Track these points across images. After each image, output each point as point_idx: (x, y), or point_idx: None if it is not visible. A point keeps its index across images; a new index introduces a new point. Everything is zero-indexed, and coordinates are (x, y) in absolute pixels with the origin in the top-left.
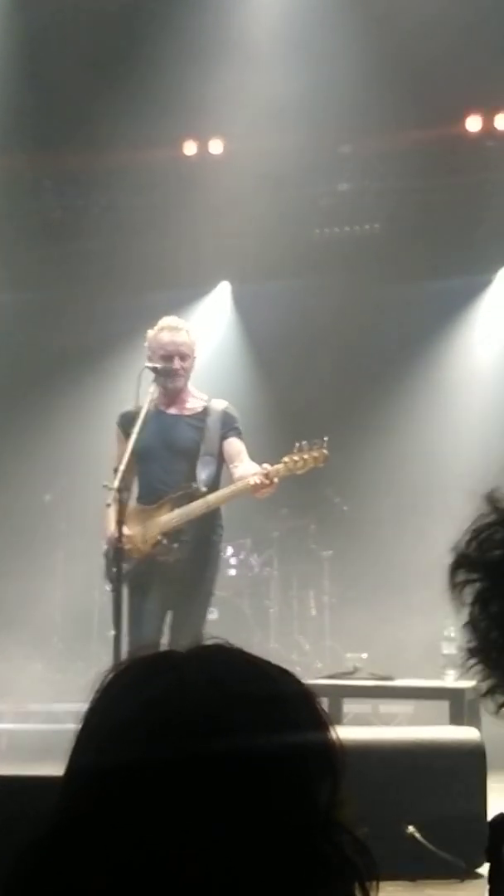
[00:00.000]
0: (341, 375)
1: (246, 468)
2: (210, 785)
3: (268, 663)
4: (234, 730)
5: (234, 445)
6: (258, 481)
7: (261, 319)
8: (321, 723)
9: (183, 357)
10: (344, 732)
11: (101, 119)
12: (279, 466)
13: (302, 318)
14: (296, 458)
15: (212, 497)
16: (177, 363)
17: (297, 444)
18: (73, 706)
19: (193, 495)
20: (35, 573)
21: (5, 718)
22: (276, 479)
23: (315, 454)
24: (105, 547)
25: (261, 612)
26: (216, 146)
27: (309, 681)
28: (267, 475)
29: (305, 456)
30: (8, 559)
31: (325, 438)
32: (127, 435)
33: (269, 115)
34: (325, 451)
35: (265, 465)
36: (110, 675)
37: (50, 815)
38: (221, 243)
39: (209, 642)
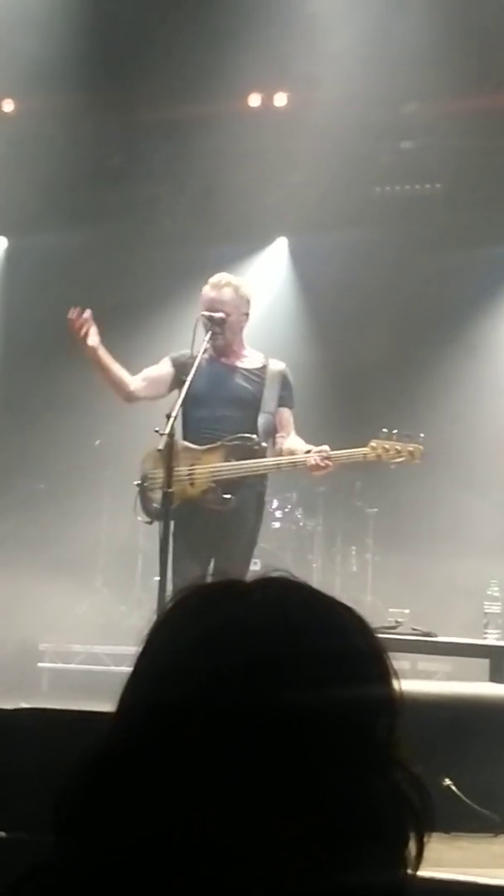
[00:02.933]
0: (397, 334)
1: (293, 442)
2: (267, 716)
3: (332, 598)
4: (297, 660)
5: (286, 415)
6: (317, 462)
7: (317, 276)
8: (382, 660)
9: (226, 314)
10: None
11: (168, 68)
12: (341, 453)
13: (359, 276)
14: (386, 446)
15: (283, 461)
16: (220, 316)
17: (385, 430)
18: (114, 648)
19: (251, 448)
20: (82, 517)
21: (48, 657)
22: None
23: (411, 448)
24: (139, 480)
25: (304, 566)
26: (281, 99)
27: None
28: (329, 458)
29: (399, 447)
30: (56, 502)
31: (422, 435)
32: (176, 370)
33: (335, 69)
34: (421, 448)
35: (325, 447)
36: (171, 604)
37: (98, 744)
38: (281, 196)
39: (274, 574)
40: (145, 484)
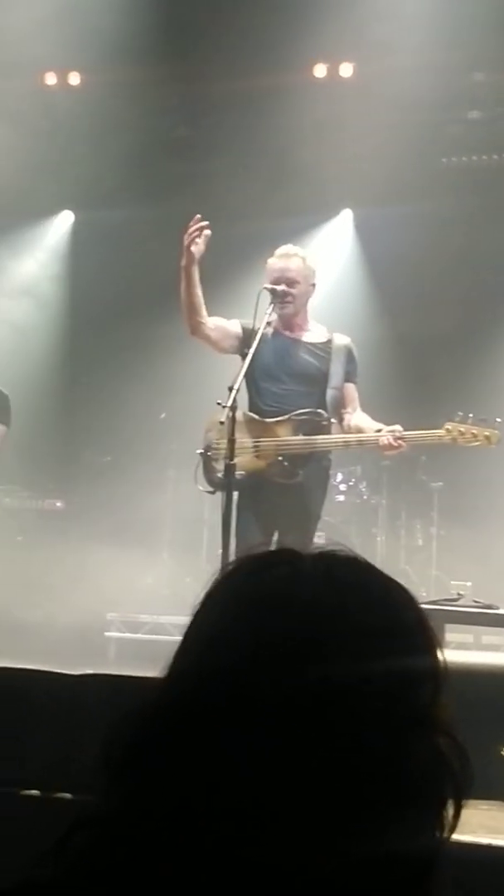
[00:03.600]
0: (463, 308)
1: (360, 419)
2: (310, 685)
3: (384, 574)
4: (342, 633)
5: (352, 391)
6: (390, 442)
7: (383, 249)
8: (428, 634)
9: (290, 283)
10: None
11: (233, 39)
12: (415, 434)
13: (424, 249)
14: (462, 429)
15: (353, 438)
16: (283, 289)
17: (461, 413)
18: (180, 619)
19: (320, 423)
20: (148, 490)
21: (115, 627)
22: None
23: (487, 433)
24: (202, 449)
25: (368, 540)
26: (346, 69)
27: None
28: (403, 438)
29: (475, 431)
30: (122, 474)
31: (498, 419)
32: (243, 335)
33: (401, 39)
34: (497, 433)
35: (398, 427)
36: (221, 573)
37: (146, 705)
38: (346, 168)
39: (329, 546)
40: (209, 453)
